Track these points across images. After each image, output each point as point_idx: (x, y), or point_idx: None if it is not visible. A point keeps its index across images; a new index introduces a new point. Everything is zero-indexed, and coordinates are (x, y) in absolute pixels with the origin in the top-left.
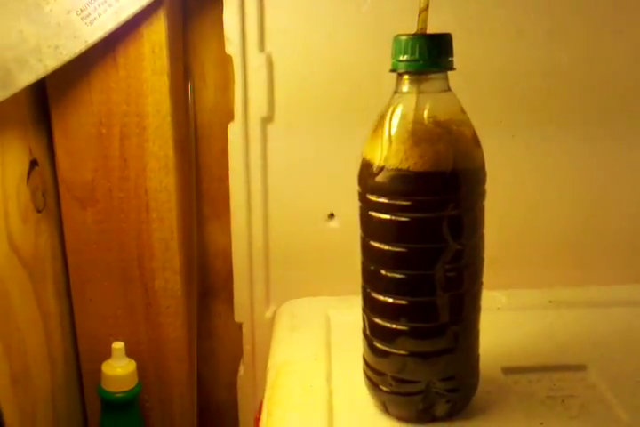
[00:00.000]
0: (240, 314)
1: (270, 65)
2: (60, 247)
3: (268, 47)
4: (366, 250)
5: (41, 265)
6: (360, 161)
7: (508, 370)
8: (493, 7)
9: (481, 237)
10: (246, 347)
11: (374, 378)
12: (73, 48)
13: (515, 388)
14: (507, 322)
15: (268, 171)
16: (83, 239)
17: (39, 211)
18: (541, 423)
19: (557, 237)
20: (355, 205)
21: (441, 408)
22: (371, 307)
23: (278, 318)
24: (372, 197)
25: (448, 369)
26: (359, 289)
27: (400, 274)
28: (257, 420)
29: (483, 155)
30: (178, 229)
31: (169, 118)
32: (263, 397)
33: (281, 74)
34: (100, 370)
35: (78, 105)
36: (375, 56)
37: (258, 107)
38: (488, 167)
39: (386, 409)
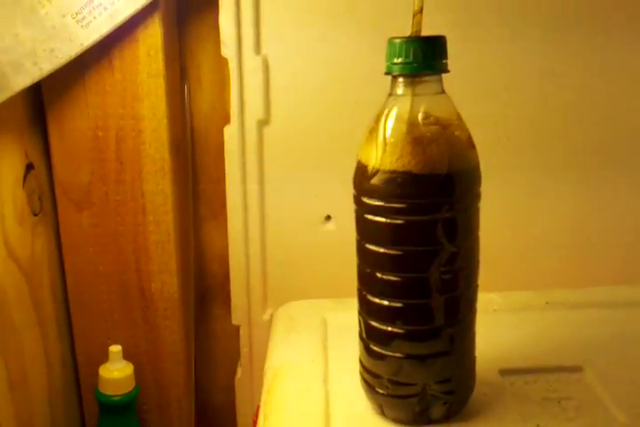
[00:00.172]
0: (237, 317)
1: (266, 68)
2: (57, 250)
3: (264, 50)
4: (362, 253)
5: (38, 268)
6: (355, 164)
7: (504, 372)
8: (487, 10)
9: (476, 240)
10: (244, 349)
11: (371, 381)
12: (68, 51)
13: (511, 389)
14: (503, 324)
15: (264, 173)
16: (79, 242)
17: (35, 214)
18: (537, 425)
19: (553, 239)
20: (351, 207)
21: (437, 411)
22: (367, 310)
23: (275, 321)
24: (367, 200)
25: (444, 371)
26: (356, 291)
27: (395, 277)
28: (255, 422)
29: (477, 157)
30: (174, 231)
31: (165, 121)
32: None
33: (277, 76)
34: (97, 373)
35: (74, 108)
36: (370, 59)
37: (254, 109)
38: (483, 169)
39: (382, 412)
